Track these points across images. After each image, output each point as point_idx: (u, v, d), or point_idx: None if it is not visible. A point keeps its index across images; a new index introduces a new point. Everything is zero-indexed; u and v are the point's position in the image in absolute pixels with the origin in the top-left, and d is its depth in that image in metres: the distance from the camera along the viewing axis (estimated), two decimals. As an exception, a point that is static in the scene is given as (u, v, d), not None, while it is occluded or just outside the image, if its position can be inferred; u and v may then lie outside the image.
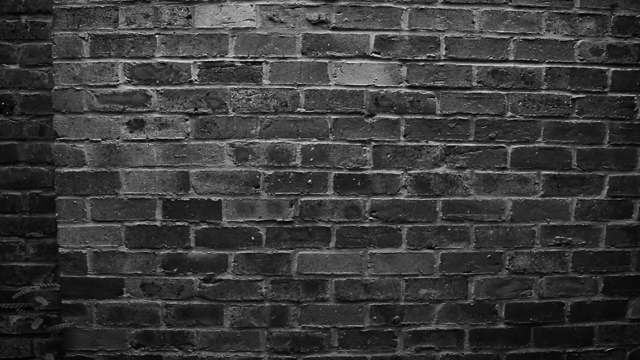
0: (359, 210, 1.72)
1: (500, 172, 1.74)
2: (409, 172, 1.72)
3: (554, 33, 1.71)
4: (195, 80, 1.68)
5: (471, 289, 1.77)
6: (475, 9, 1.69)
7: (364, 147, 1.70)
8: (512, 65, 1.71)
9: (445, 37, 1.69)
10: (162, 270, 1.72)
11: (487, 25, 1.70)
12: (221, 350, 1.75)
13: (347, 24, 1.67)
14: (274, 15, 1.67)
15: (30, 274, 1.86)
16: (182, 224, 1.71)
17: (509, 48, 1.71)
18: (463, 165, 1.73)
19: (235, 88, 1.68)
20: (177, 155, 1.69)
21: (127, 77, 1.67)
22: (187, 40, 1.66)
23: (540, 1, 1.70)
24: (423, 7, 1.68)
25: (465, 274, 1.76)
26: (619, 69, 1.73)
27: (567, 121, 1.74)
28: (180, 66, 1.67)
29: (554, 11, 1.70)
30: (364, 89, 1.69)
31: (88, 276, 1.71)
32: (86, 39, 1.65)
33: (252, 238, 1.72)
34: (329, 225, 1.72)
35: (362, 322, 1.75)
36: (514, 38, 1.70)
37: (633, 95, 1.74)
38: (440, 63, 1.70)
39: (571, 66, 1.72)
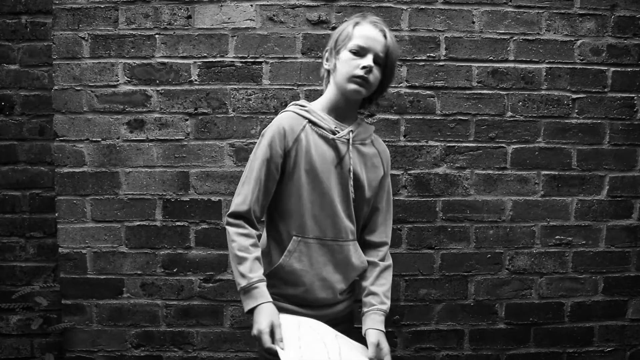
0: (359, 210, 1.72)
1: (500, 172, 1.74)
2: (409, 172, 1.72)
3: (554, 33, 1.71)
4: (195, 80, 1.68)
5: (471, 289, 1.77)
6: (475, 9, 1.69)
7: (364, 147, 1.70)
8: (512, 65, 1.71)
9: (445, 37, 1.69)
10: (162, 270, 1.72)
11: (487, 25, 1.70)
12: (221, 350, 1.75)
13: (347, 24, 1.67)
14: (274, 15, 1.67)
15: (30, 274, 1.86)
16: (182, 224, 1.71)
17: (509, 48, 1.70)
18: (463, 165, 1.73)
19: (235, 88, 1.68)
20: (177, 155, 1.69)
21: (127, 77, 1.67)
22: (187, 40, 1.66)
23: (540, 1, 1.70)
24: (423, 7, 1.68)
25: (465, 274, 1.76)
26: (619, 69, 1.73)
27: (567, 121, 1.74)
28: (180, 66, 1.67)
29: (554, 11, 1.70)
30: (364, 89, 1.69)
31: (88, 276, 1.71)
32: (86, 39, 1.65)
33: (252, 238, 1.71)
34: (329, 225, 1.72)
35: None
36: (514, 38, 1.70)
37: (633, 95, 1.74)
38: (440, 63, 1.70)
39: (571, 66, 1.72)
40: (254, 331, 1.05)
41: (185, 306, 1.73)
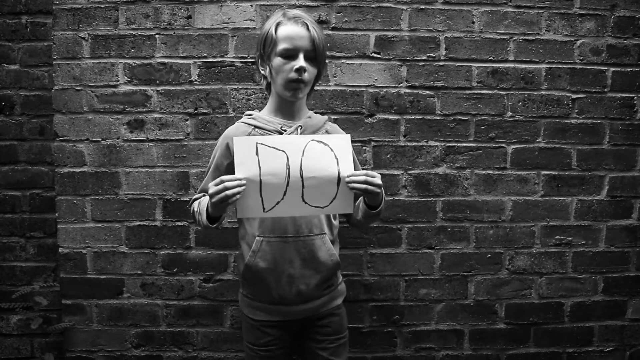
0: (359, 210, 1.72)
1: (500, 172, 1.74)
2: (409, 172, 1.72)
3: (554, 33, 1.71)
4: (195, 80, 1.68)
5: (471, 289, 1.77)
6: (475, 9, 1.69)
7: (364, 147, 1.70)
8: (512, 65, 1.71)
9: (445, 37, 1.69)
10: (162, 270, 1.72)
11: (487, 25, 1.70)
12: (221, 350, 1.75)
13: (347, 24, 1.67)
14: (274, 15, 1.66)
15: (30, 274, 1.86)
16: (182, 224, 1.71)
17: (509, 48, 1.71)
18: (463, 165, 1.73)
19: (235, 88, 1.68)
20: (177, 155, 1.69)
21: (127, 77, 1.67)
22: (187, 40, 1.66)
23: (540, 1, 1.70)
24: (423, 7, 1.68)
25: (465, 274, 1.76)
26: (619, 69, 1.73)
27: (567, 121, 1.74)
28: (180, 66, 1.67)
29: (554, 11, 1.70)
30: (364, 89, 1.69)
31: (88, 276, 1.71)
32: (86, 39, 1.65)
33: (252, 238, 1.71)
34: (329, 225, 1.72)
35: (362, 322, 1.75)
36: (514, 38, 1.70)
37: (633, 95, 1.74)
38: (440, 63, 1.70)
39: (571, 66, 1.72)
40: (213, 202, 1.06)
41: (185, 306, 1.73)
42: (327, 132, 1.26)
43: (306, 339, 1.29)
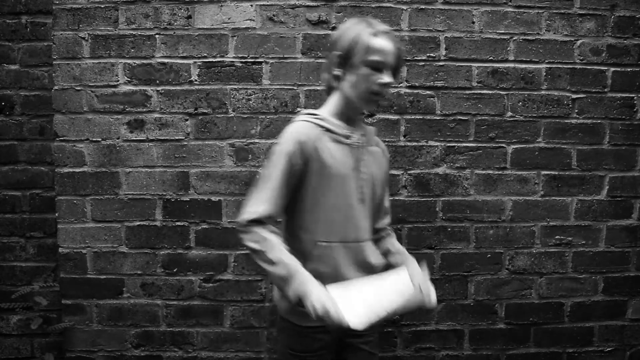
0: (359, 210, 1.72)
1: (500, 172, 1.74)
2: (409, 172, 1.72)
3: (554, 33, 1.71)
4: (195, 80, 1.68)
5: (471, 289, 1.77)
6: (475, 9, 1.69)
7: (364, 147, 1.70)
8: (512, 65, 1.71)
9: (445, 37, 1.69)
10: (162, 270, 1.72)
11: (487, 25, 1.70)
12: (221, 350, 1.75)
13: (347, 24, 1.67)
14: (274, 15, 1.66)
15: (30, 274, 1.86)
16: (182, 224, 1.71)
17: (509, 48, 1.70)
18: (463, 165, 1.73)
19: (235, 88, 1.68)
20: (177, 155, 1.69)
21: (127, 77, 1.67)
22: (187, 40, 1.66)
23: (540, 1, 1.70)
24: (423, 7, 1.68)
25: (465, 274, 1.76)
26: (619, 69, 1.73)
27: (567, 121, 1.74)
28: (180, 66, 1.67)
29: (554, 11, 1.70)
30: (364, 89, 1.69)
31: (88, 276, 1.71)
32: (86, 39, 1.65)
33: (252, 238, 1.71)
34: (329, 225, 1.72)
35: (362, 322, 1.75)
36: (514, 38, 1.70)
37: (633, 95, 1.74)
38: (440, 63, 1.70)
39: (571, 66, 1.72)
40: (316, 312, 1.01)
41: (185, 306, 1.73)
42: (377, 143, 1.29)
43: (349, 336, 1.28)
